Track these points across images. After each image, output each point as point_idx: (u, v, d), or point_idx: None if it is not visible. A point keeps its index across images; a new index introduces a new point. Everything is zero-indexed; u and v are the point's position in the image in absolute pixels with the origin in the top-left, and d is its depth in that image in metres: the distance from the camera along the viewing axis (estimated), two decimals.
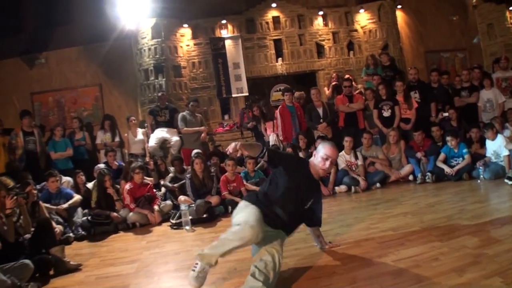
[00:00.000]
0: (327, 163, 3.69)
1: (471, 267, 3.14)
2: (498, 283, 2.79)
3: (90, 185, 7.50)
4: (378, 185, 7.69)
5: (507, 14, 12.38)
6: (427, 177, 7.52)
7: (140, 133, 9.63)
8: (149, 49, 10.89)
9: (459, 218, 4.74)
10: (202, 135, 9.56)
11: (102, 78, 11.41)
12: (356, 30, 12.11)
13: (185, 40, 11.32)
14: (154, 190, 7.45)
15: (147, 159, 9.00)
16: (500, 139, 7.14)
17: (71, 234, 6.20)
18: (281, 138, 8.83)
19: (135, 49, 11.15)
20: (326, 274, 3.47)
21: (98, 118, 10.82)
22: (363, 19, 12.11)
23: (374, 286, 3.06)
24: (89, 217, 6.61)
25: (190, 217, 6.26)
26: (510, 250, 3.40)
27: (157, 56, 10.85)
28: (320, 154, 3.73)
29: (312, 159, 3.86)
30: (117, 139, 9.47)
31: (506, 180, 6.41)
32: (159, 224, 6.80)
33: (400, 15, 12.60)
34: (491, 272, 2.99)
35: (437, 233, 4.25)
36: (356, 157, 8.01)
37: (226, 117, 11.41)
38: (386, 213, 5.58)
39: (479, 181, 7.02)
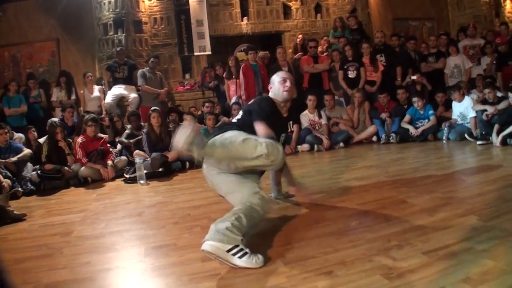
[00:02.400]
0: (287, 83, 3.40)
1: (443, 208, 2.96)
2: (474, 221, 2.61)
3: (42, 140, 7.09)
4: (341, 144, 7.51)
5: None
6: (391, 138, 7.41)
7: (96, 90, 9.16)
8: (109, 2, 10.25)
9: (425, 170, 4.60)
10: (161, 95, 9.18)
11: (59, 33, 10.74)
12: None
13: None
14: (108, 145, 7.09)
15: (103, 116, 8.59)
16: (467, 100, 7.06)
17: (19, 189, 5.81)
18: (243, 97, 8.53)
19: (95, 2, 10.48)
20: (287, 215, 3.23)
21: (54, 74, 10.21)
22: None
23: (338, 225, 2.83)
24: (39, 171, 6.22)
25: (145, 171, 5.96)
26: (482, 194, 3.25)
27: (118, 10, 10.25)
28: (277, 80, 3.46)
29: (271, 93, 3.54)
30: (73, 97, 9.02)
31: (467, 137, 6.53)
32: (113, 179, 6.45)
33: None
34: (465, 212, 2.81)
35: (403, 181, 4.09)
36: (320, 116, 7.80)
37: (187, 76, 10.96)
38: (350, 166, 5.40)
39: (444, 141, 6.93)
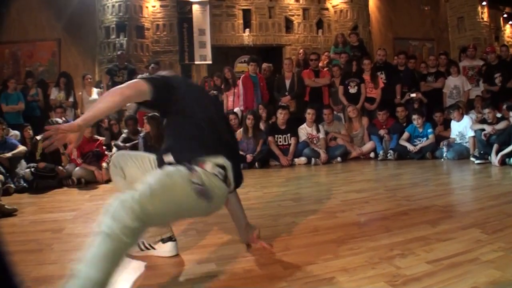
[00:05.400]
0: None
1: (445, 220, 2.90)
2: (477, 233, 2.55)
3: (39, 137, 7.01)
4: (339, 159, 7.43)
5: (479, 8, 12.42)
6: (389, 154, 7.35)
7: (95, 93, 9.01)
8: (113, 6, 10.29)
9: (425, 185, 4.55)
10: None
11: (61, 33, 10.70)
12: (327, 9, 11.82)
13: (151, 1, 10.73)
14: (104, 147, 7.02)
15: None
16: (466, 119, 7.05)
17: (11, 185, 5.71)
18: (241, 108, 8.46)
19: (99, 5, 10.52)
20: (283, 223, 3.16)
21: (53, 74, 10.16)
22: None
23: (338, 233, 2.76)
24: (32, 169, 6.13)
25: None
26: (483, 208, 3.21)
27: (121, 14, 10.27)
28: None
29: None
30: (71, 99, 8.93)
31: (472, 159, 6.38)
32: (106, 182, 6.35)
33: None
34: (467, 225, 2.76)
35: (402, 194, 4.03)
36: (318, 130, 7.74)
37: None
38: (348, 179, 5.35)
39: (442, 160, 6.91)
